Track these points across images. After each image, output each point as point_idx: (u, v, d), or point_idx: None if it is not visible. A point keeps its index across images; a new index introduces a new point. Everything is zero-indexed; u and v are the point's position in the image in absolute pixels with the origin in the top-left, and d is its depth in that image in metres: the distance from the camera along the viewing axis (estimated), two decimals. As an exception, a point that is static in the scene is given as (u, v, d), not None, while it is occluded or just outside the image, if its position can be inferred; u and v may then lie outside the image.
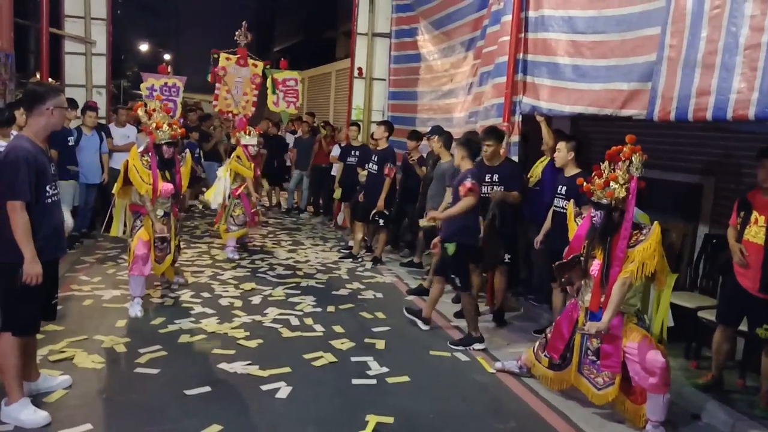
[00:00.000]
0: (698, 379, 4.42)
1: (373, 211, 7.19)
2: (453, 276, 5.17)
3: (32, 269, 3.30)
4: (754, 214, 4.05)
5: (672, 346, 4.44)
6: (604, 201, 3.76)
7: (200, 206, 11.57)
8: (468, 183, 4.94)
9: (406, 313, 5.62)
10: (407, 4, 9.41)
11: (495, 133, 5.65)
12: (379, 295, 6.45)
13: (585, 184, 3.90)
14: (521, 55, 6.03)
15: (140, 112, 5.53)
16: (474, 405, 4.06)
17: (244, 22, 9.90)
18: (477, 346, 5.04)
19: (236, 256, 7.58)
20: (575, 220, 4.19)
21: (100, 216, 8.13)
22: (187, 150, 5.97)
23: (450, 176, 6.43)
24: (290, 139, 11.66)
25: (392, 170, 7.16)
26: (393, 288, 6.82)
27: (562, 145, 5.10)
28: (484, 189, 5.58)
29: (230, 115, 9.81)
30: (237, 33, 9.82)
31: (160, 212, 5.40)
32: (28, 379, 3.62)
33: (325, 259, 7.91)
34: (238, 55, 9.97)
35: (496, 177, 5.60)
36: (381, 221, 7.56)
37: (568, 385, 4.15)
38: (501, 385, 4.39)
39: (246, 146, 7.85)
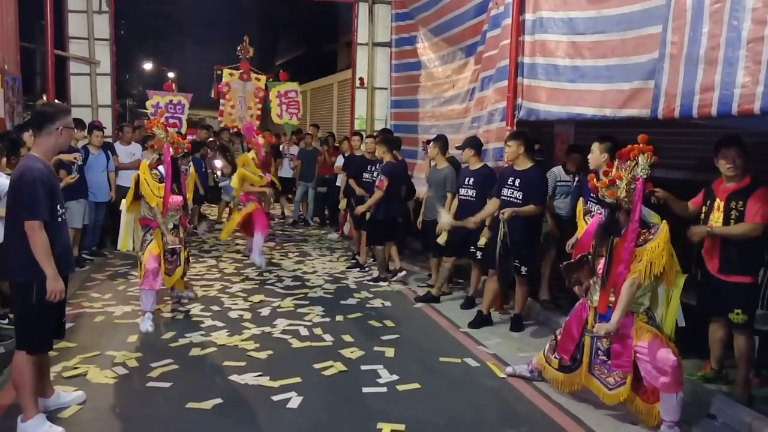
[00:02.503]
0: (697, 371, 4.44)
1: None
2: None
3: (55, 286, 3.35)
4: (717, 200, 4.18)
5: (684, 345, 4.44)
6: (608, 200, 3.74)
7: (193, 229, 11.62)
8: (382, 179, 6.93)
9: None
10: (406, 12, 9.46)
11: (517, 135, 5.59)
12: (387, 303, 6.44)
13: (593, 181, 3.89)
14: (520, 58, 6.02)
15: (156, 129, 5.56)
16: (485, 411, 4.04)
17: (245, 37, 10.00)
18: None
19: (263, 262, 7.65)
20: (584, 219, 4.17)
21: (110, 234, 8.22)
22: (191, 164, 6.02)
23: (451, 182, 6.45)
24: (294, 150, 11.71)
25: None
26: (401, 296, 6.82)
27: (595, 146, 4.80)
28: (506, 192, 5.54)
29: (235, 129, 9.91)
30: (239, 48, 9.92)
31: (170, 224, 5.47)
32: (43, 395, 3.66)
33: (332, 269, 7.92)
34: (241, 70, 10.08)
35: (517, 182, 5.49)
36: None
37: (579, 387, 4.13)
38: (512, 390, 4.37)
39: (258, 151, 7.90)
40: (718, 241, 4.13)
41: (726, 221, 4.09)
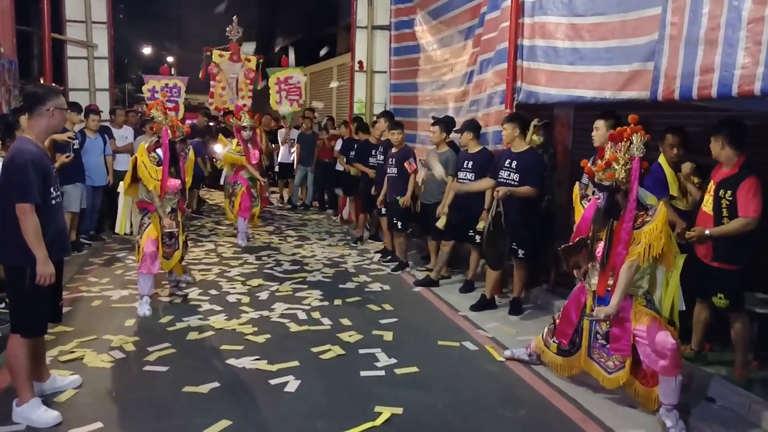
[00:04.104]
0: None
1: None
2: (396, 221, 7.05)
3: (45, 270, 3.32)
4: (710, 184, 4.18)
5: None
6: (606, 182, 3.70)
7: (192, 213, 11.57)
8: (413, 163, 6.87)
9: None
10: (405, -6, 9.38)
11: (512, 118, 5.57)
12: (386, 287, 6.43)
13: (588, 165, 3.86)
14: (520, 40, 5.96)
15: (155, 111, 5.52)
16: (484, 394, 4.04)
17: (234, 17, 9.92)
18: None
19: (245, 242, 8.09)
20: (581, 203, 4.13)
21: (107, 218, 8.21)
22: (191, 147, 5.99)
23: (453, 165, 6.40)
24: (294, 134, 11.67)
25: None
26: (399, 280, 6.81)
27: (600, 124, 4.72)
28: (504, 174, 5.51)
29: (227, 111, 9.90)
30: (228, 28, 9.85)
31: (168, 208, 5.46)
32: (39, 379, 3.66)
33: (331, 253, 7.91)
34: (230, 51, 9.99)
35: (514, 164, 5.46)
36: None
37: (578, 371, 4.11)
38: (511, 374, 4.36)
39: (239, 130, 7.96)
40: (710, 226, 4.11)
41: (716, 209, 4.07)
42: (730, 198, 3.99)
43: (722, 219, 4.04)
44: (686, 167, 4.56)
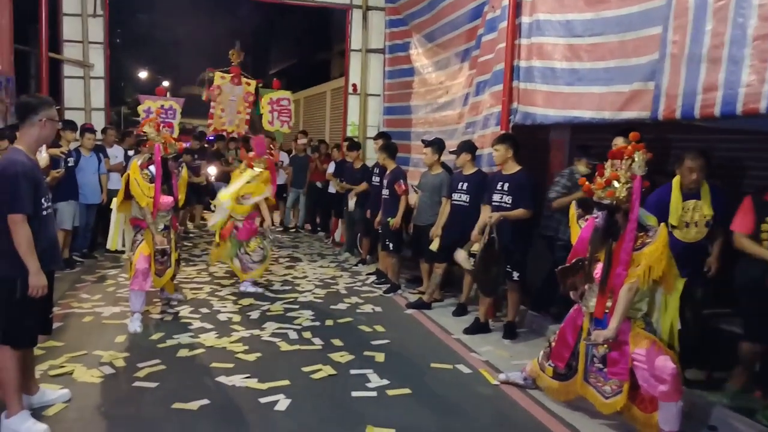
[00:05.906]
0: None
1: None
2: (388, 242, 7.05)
3: (38, 281, 3.29)
4: None
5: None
6: (606, 201, 3.63)
7: (193, 228, 11.43)
8: (402, 185, 6.82)
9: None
10: (400, 18, 9.47)
11: (504, 139, 5.54)
12: (378, 308, 6.36)
13: (586, 183, 3.79)
14: (517, 61, 5.98)
15: (147, 128, 5.47)
16: (478, 418, 3.94)
17: (237, 42, 10.04)
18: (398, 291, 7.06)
19: (258, 290, 6.77)
20: (578, 223, 4.05)
21: (100, 236, 8.14)
22: (184, 164, 5.95)
23: (448, 186, 6.38)
24: (284, 157, 11.67)
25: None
26: (391, 302, 6.73)
27: (619, 141, 4.70)
28: (496, 197, 5.49)
29: (225, 133, 9.85)
30: (230, 52, 9.92)
31: (160, 225, 5.41)
32: (27, 392, 3.60)
33: (323, 274, 7.83)
34: (232, 74, 10.05)
35: (506, 186, 5.45)
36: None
37: (575, 396, 4.01)
38: (506, 398, 4.27)
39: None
40: None
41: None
42: None
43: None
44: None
